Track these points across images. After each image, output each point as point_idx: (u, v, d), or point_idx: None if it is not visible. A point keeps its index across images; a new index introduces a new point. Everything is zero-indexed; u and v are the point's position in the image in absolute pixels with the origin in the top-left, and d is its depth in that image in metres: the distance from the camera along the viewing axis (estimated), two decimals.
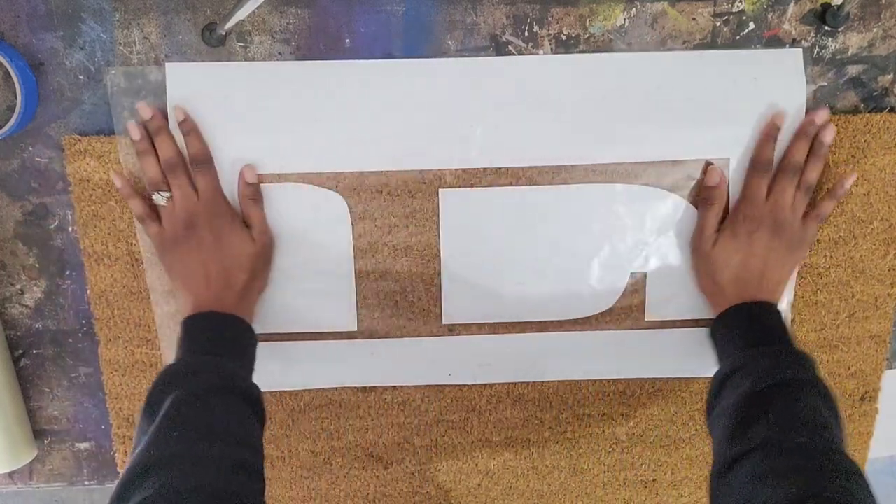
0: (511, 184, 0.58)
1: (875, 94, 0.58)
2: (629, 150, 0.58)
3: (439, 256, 0.59)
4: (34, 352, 0.61)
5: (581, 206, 0.59)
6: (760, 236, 0.54)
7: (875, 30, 0.57)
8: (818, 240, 0.60)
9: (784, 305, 0.61)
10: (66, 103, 0.55)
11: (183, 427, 0.42)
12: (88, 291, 0.59)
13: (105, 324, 0.60)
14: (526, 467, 0.66)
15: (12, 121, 0.53)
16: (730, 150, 0.58)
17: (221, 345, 0.50)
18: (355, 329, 0.61)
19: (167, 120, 0.55)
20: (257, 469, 0.44)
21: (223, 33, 0.54)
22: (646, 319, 0.62)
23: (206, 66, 0.55)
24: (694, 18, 0.56)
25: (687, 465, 0.67)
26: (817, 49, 0.57)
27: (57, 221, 0.58)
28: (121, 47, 0.54)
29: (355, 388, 0.63)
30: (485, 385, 0.63)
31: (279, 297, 0.59)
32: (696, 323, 0.62)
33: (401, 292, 0.60)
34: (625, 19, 0.56)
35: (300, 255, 0.59)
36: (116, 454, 0.63)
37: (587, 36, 0.56)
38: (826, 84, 0.58)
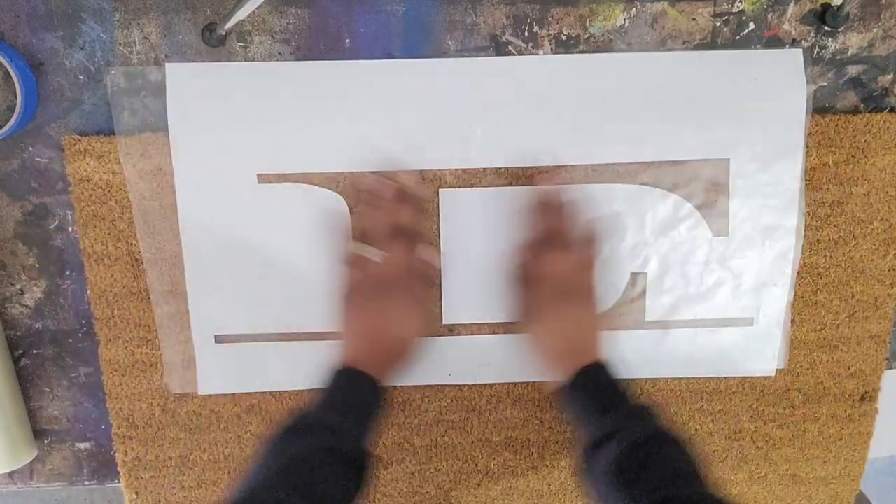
0: (511, 184, 0.58)
1: (875, 94, 0.59)
2: (629, 150, 0.58)
3: (439, 256, 0.59)
4: (34, 352, 0.61)
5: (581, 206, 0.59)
6: (555, 308, 0.54)
7: (875, 30, 0.57)
8: (818, 240, 0.60)
9: (774, 312, 0.61)
10: (66, 103, 0.55)
11: (286, 480, 0.44)
12: (88, 291, 0.59)
13: (105, 324, 0.60)
14: (526, 467, 0.66)
15: (12, 121, 0.53)
16: (730, 150, 0.58)
17: (356, 406, 0.51)
18: None
19: (424, 193, 0.57)
20: None
21: (223, 33, 0.54)
22: (646, 320, 0.62)
23: (206, 66, 0.55)
24: (694, 18, 0.56)
25: None
26: (817, 49, 0.57)
27: (57, 221, 0.58)
28: (121, 47, 0.54)
29: None
30: (485, 385, 0.63)
31: (279, 296, 0.59)
32: (695, 323, 0.62)
33: None
34: (625, 19, 0.56)
35: (300, 255, 0.59)
36: (116, 454, 0.63)
37: (587, 36, 0.56)
38: (826, 84, 0.58)
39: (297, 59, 0.55)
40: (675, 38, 0.56)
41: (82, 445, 0.64)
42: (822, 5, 0.56)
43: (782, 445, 0.66)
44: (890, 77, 0.58)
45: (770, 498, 0.68)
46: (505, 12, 0.55)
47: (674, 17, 0.56)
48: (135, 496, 0.64)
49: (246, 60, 0.55)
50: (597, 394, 0.51)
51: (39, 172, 0.57)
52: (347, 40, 0.55)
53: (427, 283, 0.58)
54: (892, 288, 0.62)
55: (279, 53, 0.55)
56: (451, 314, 0.61)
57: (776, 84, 0.57)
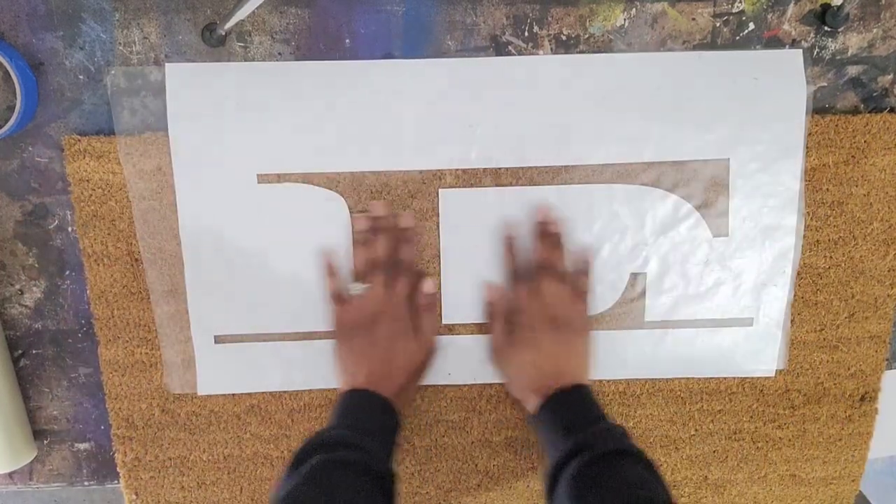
0: (511, 184, 0.58)
1: (875, 94, 0.59)
2: (629, 150, 0.58)
3: (439, 256, 0.59)
4: (34, 352, 0.61)
5: (581, 206, 0.59)
6: (541, 337, 0.55)
7: (875, 30, 0.57)
8: (818, 240, 0.60)
9: (774, 313, 0.61)
10: (66, 103, 0.55)
11: (315, 491, 0.45)
12: (88, 291, 0.59)
13: (105, 324, 0.60)
14: (526, 467, 0.66)
15: (12, 121, 0.53)
16: (730, 150, 0.58)
17: (371, 425, 0.52)
18: None
19: (396, 220, 0.58)
20: None
21: (223, 33, 0.54)
22: (646, 320, 0.62)
23: (206, 66, 0.55)
24: (694, 19, 0.56)
25: (687, 465, 0.67)
26: (817, 49, 0.57)
27: (57, 221, 0.58)
28: (121, 47, 0.54)
29: None
30: (485, 385, 0.63)
31: (279, 297, 0.59)
32: (695, 323, 0.62)
33: None
34: (625, 19, 0.56)
35: (300, 255, 0.59)
36: (116, 454, 0.63)
37: (587, 36, 0.56)
38: (826, 84, 0.58)
39: (297, 59, 0.55)
40: (675, 38, 0.56)
41: (82, 446, 0.64)
42: (821, 5, 0.56)
43: (782, 445, 0.66)
44: (890, 77, 0.58)
45: (770, 498, 0.68)
46: (505, 12, 0.55)
47: (674, 17, 0.56)
48: (134, 497, 0.64)
49: (246, 60, 0.55)
50: (565, 416, 0.52)
51: (39, 172, 0.57)
52: (347, 40, 0.55)
53: (426, 309, 0.59)
54: (892, 288, 0.62)
55: (279, 53, 0.55)
56: (451, 314, 0.61)
57: (776, 84, 0.57)
